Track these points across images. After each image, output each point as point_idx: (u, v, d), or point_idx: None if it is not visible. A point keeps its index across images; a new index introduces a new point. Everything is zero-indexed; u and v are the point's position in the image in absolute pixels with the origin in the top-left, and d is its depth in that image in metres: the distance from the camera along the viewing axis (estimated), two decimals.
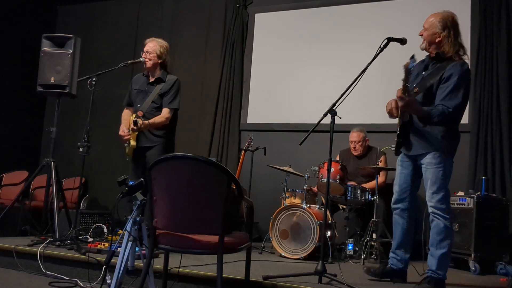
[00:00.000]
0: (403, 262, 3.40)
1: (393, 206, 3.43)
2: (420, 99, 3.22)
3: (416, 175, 3.37)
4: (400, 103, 3.09)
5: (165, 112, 4.31)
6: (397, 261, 3.40)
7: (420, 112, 3.13)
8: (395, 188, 3.41)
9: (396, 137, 3.34)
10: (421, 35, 3.29)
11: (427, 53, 3.35)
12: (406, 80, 3.03)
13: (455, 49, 3.17)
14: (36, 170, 4.57)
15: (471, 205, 4.27)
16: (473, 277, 4.02)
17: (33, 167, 5.01)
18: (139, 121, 4.07)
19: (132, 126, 4.11)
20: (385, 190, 4.70)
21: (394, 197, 3.42)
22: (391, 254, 3.44)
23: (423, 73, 3.32)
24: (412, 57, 3.11)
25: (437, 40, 3.20)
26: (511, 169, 4.92)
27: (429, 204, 3.16)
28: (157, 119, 4.25)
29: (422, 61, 3.43)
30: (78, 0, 7.62)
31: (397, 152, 3.42)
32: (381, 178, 4.83)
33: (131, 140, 4.27)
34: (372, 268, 3.44)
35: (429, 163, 3.17)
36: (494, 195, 4.58)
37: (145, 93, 4.39)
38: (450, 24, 3.20)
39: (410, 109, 3.12)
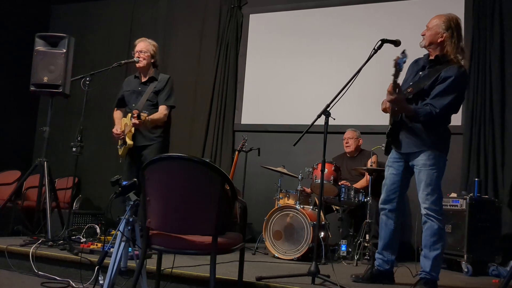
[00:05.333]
0: (389, 263, 3.41)
1: (380, 206, 3.43)
2: (413, 99, 3.22)
3: (406, 175, 3.36)
4: (388, 99, 3.11)
5: (163, 109, 4.31)
6: (383, 262, 3.40)
7: (407, 110, 3.15)
8: (384, 189, 3.42)
9: (386, 137, 3.37)
10: (423, 34, 3.28)
11: (427, 52, 3.34)
12: (396, 75, 3.02)
13: (457, 51, 3.17)
14: (29, 170, 4.54)
15: (464, 207, 4.29)
16: (465, 278, 4.04)
17: (26, 167, 4.98)
18: (143, 114, 4.01)
19: (134, 121, 4.01)
20: (378, 191, 4.71)
21: (382, 197, 3.42)
22: (377, 255, 3.44)
23: (420, 73, 3.32)
24: (403, 52, 3.03)
25: (439, 40, 3.19)
26: (504, 171, 4.95)
27: (423, 205, 3.16)
28: (156, 115, 4.24)
29: (417, 60, 3.43)
30: None
31: (387, 152, 3.44)
32: (367, 177, 4.85)
33: (127, 140, 4.26)
34: (359, 275, 3.43)
35: (423, 165, 3.16)
36: (486, 196, 4.60)
37: (138, 93, 4.39)
38: (454, 25, 3.18)
39: (398, 106, 3.14)
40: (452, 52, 3.15)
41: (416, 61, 3.45)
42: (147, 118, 4.05)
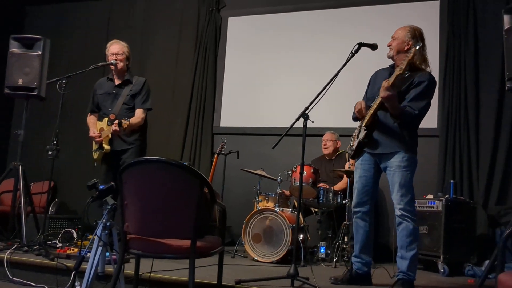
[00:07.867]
0: (367, 265, 3.44)
1: (354, 209, 3.45)
2: None
3: (376, 177, 3.44)
4: (384, 94, 3.08)
5: (140, 113, 4.29)
6: (362, 265, 3.43)
7: (397, 108, 3.16)
8: (355, 192, 3.45)
9: (352, 141, 3.45)
10: (389, 45, 3.39)
11: (392, 62, 3.44)
12: (404, 71, 3.04)
13: (423, 59, 3.29)
14: (3, 174, 4.46)
15: (440, 208, 4.35)
16: (441, 279, 4.09)
17: (0, 171, 4.89)
18: (125, 122, 3.96)
19: (114, 127, 3.99)
20: None
21: (354, 200, 3.45)
22: (355, 259, 3.46)
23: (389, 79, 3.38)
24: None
25: (405, 48, 3.30)
26: (479, 173, 5.04)
27: (398, 206, 3.20)
28: (134, 119, 4.21)
29: (378, 72, 3.57)
30: (47, 0, 7.47)
31: (355, 156, 3.48)
32: (345, 180, 4.89)
33: (104, 145, 4.21)
34: (338, 277, 3.44)
35: (397, 166, 3.23)
36: (462, 198, 4.67)
37: (113, 96, 4.35)
38: (418, 35, 3.33)
39: (391, 102, 3.12)
40: (418, 60, 3.25)
41: (377, 73, 3.57)
42: (128, 123, 4.01)
